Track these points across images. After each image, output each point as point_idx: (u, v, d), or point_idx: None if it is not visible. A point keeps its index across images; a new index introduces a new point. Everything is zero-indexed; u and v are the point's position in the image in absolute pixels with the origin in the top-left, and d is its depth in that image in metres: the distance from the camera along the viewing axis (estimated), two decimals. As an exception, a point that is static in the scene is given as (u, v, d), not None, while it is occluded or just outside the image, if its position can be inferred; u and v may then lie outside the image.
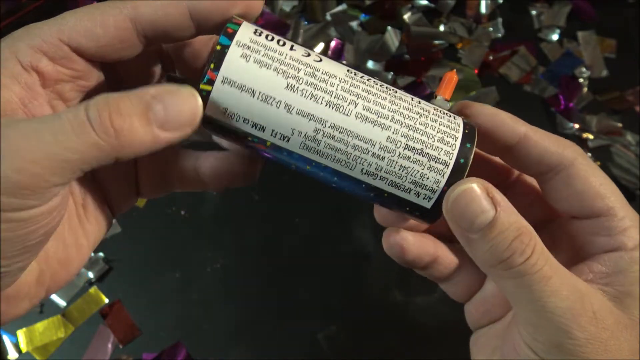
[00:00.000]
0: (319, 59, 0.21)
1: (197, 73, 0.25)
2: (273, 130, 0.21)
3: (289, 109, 0.21)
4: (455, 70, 0.24)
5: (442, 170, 0.22)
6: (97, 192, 0.25)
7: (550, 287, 0.21)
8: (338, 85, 0.21)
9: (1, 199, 0.18)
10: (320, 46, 0.65)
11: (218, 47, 0.20)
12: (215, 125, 0.21)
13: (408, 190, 0.22)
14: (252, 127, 0.21)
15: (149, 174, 0.27)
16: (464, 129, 0.22)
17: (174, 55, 0.25)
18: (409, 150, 0.22)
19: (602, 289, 0.23)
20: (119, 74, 0.25)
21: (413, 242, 0.26)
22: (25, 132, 0.18)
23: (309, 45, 0.64)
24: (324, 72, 0.21)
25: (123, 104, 0.19)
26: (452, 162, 0.22)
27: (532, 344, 0.22)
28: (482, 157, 0.27)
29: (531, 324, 0.22)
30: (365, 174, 0.22)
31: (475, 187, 0.21)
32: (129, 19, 0.21)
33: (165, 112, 0.20)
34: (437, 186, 0.22)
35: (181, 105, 0.20)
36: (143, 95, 0.20)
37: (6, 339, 0.50)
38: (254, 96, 0.21)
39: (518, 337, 0.23)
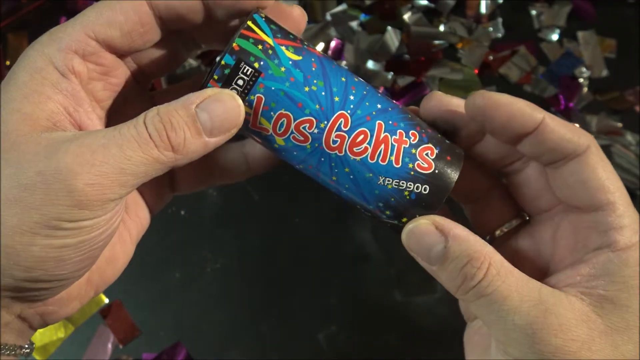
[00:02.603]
0: None
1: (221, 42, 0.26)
2: None
3: None
4: None
5: None
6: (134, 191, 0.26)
7: (509, 304, 0.22)
8: None
9: (74, 212, 0.19)
10: (320, 46, 0.65)
11: None
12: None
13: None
14: None
15: (187, 172, 0.28)
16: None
17: (198, 34, 0.26)
18: None
19: (583, 293, 0.22)
20: (144, 68, 0.25)
21: None
22: (94, 148, 0.19)
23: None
24: None
25: (174, 119, 0.21)
26: None
27: (505, 358, 0.23)
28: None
29: (500, 341, 0.23)
30: None
31: (422, 223, 0.23)
32: (145, 1, 0.22)
33: (212, 120, 0.21)
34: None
35: (224, 111, 0.21)
36: (189, 107, 0.21)
37: (6, 339, 0.50)
38: None
39: (495, 351, 0.24)
